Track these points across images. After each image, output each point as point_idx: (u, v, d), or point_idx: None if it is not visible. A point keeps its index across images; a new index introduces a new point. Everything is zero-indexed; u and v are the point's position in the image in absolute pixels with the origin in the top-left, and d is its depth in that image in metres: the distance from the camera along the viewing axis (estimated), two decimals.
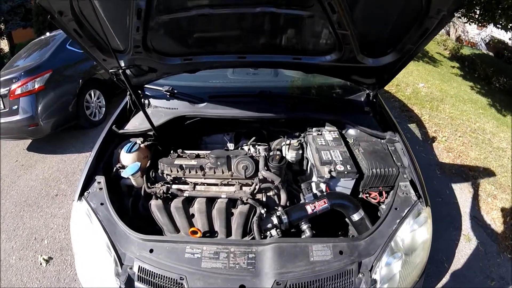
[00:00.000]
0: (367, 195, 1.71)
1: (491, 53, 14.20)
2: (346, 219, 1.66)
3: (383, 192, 1.69)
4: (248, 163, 1.59)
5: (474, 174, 3.83)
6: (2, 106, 3.83)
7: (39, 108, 3.80)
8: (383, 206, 1.66)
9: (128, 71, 1.65)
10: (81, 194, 1.51)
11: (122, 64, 1.59)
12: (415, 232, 1.41)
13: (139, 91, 2.01)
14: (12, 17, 9.77)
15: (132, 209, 1.67)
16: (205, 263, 1.26)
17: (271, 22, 1.37)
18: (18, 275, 2.40)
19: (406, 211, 1.43)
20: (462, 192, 3.52)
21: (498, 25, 7.06)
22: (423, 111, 5.63)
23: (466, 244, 2.78)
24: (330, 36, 1.41)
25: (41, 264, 2.45)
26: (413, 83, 6.97)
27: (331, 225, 1.71)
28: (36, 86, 3.78)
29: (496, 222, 3.14)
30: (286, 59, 1.60)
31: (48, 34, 4.97)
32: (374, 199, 1.69)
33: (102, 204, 1.46)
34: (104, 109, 4.80)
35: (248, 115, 1.87)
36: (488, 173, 3.94)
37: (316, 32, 1.43)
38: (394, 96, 6.14)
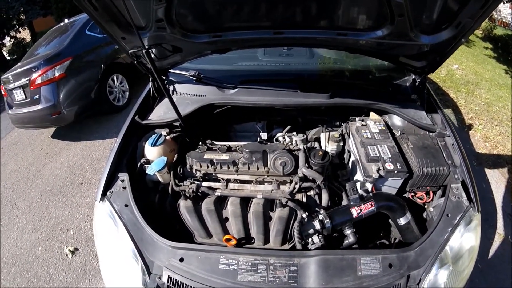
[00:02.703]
0: (413, 194, 1.57)
1: None
2: (390, 221, 1.52)
3: (430, 192, 1.55)
4: (287, 159, 1.43)
5: (511, 168, 3.64)
6: (23, 96, 3.85)
7: (61, 96, 3.79)
8: (431, 209, 1.50)
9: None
10: (104, 194, 1.41)
11: (137, 43, 1.41)
12: (464, 240, 1.29)
13: (163, 77, 1.86)
14: (31, 6, 9.81)
15: (159, 206, 1.56)
16: (241, 276, 1.14)
17: None
18: (44, 267, 2.40)
19: (458, 218, 1.30)
20: (499, 186, 3.34)
21: None
22: (459, 95, 5.43)
23: (500, 244, 2.64)
24: (381, 7, 1.20)
25: (67, 255, 2.45)
26: (447, 64, 6.68)
27: (372, 225, 1.57)
28: (57, 74, 3.75)
29: None
30: (329, 35, 1.39)
31: (66, 20, 4.91)
32: (420, 199, 1.57)
33: (126, 205, 1.35)
34: (127, 93, 4.75)
35: (284, 102, 1.69)
36: None
37: (366, 1, 1.23)
38: (428, 78, 5.94)
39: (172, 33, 1.37)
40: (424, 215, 1.54)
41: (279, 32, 1.37)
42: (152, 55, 1.51)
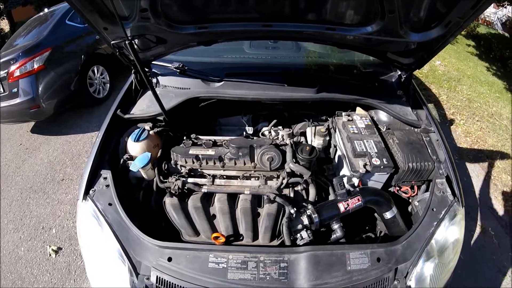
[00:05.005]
0: (398, 188, 1.59)
1: (506, 34, 13.59)
2: (376, 214, 1.54)
3: (415, 187, 1.58)
4: (274, 154, 1.42)
5: (491, 162, 3.77)
6: (1, 89, 3.68)
7: (40, 89, 3.63)
8: (416, 203, 1.53)
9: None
10: (86, 193, 1.35)
11: (120, 34, 1.35)
12: (449, 234, 1.33)
13: (146, 69, 1.78)
14: None
15: (143, 204, 1.52)
16: (231, 274, 1.13)
17: None
18: (28, 268, 2.32)
19: (443, 212, 1.33)
20: (479, 180, 3.46)
21: None
22: (441, 91, 5.55)
23: (481, 236, 2.75)
24: (372, 2, 1.20)
25: (50, 255, 2.37)
26: (430, 60, 6.73)
27: (359, 219, 1.59)
28: (36, 66, 3.59)
29: (511, 214, 3.09)
30: (318, 29, 1.37)
31: (46, 10, 4.71)
32: (405, 193, 1.59)
33: (110, 204, 1.30)
34: (108, 85, 4.64)
35: (271, 96, 1.67)
36: (505, 162, 3.88)
37: None
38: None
39: (156, 23, 1.31)
40: (409, 209, 1.57)
41: (268, 24, 1.34)
42: (135, 46, 1.46)
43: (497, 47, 9.86)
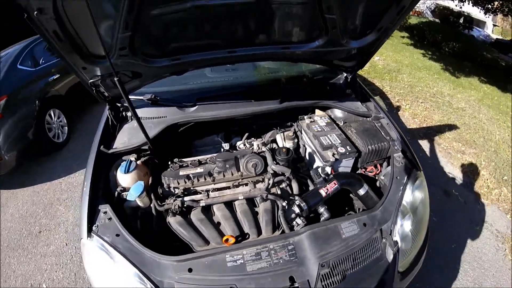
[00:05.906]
0: (364, 169, 1.85)
1: (437, 20, 14.89)
2: (351, 195, 1.77)
3: (378, 165, 1.84)
4: (257, 160, 1.60)
5: (441, 135, 4.23)
6: None
7: (0, 140, 3.43)
8: (382, 177, 1.79)
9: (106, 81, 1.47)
10: (89, 230, 1.36)
11: (98, 72, 1.43)
12: (415, 194, 1.60)
13: (118, 104, 1.84)
14: None
15: (142, 231, 1.57)
16: (250, 266, 1.25)
17: (263, 12, 1.37)
18: None
19: (405, 178, 1.61)
20: (433, 153, 3.87)
21: None
22: (384, 83, 6.03)
23: (448, 198, 3.11)
24: (317, 22, 1.44)
25: None
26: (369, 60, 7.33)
27: (338, 203, 1.80)
28: None
29: (469, 175, 3.54)
30: (275, 49, 1.59)
31: None
32: (371, 172, 1.85)
33: (118, 235, 1.33)
34: (66, 128, 4.45)
35: (242, 112, 1.84)
36: (453, 132, 4.37)
37: (305, 18, 1.45)
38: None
39: (133, 59, 1.42)
40: (377, 184, 1.82)
41: (232, 50, 1.52)
42: (109, 83, 1.53)
43: (429, 33, 10.75)
